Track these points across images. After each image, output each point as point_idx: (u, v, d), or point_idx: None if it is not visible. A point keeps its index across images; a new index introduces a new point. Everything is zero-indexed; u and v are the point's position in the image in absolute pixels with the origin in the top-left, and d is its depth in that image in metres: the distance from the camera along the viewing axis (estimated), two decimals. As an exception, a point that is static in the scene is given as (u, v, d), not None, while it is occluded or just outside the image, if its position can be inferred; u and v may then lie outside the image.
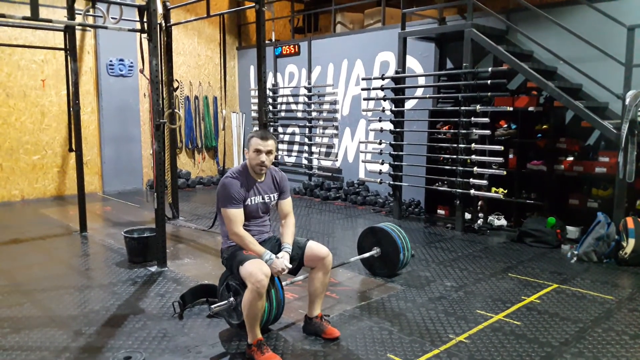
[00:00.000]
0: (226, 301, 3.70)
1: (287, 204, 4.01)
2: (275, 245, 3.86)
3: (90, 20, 7.42)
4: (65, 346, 3.67)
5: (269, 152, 3.73)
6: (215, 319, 4.11)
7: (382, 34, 9.21)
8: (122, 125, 10.65)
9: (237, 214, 3.66)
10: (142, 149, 10.98)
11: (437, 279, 5.20)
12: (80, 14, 6.75)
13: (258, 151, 3.71)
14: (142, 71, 6.36)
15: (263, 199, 3.85)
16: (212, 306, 3.66)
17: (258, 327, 3.45)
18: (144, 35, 5.45)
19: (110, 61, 10.41)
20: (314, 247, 3.85)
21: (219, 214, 3.77)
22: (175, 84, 7.83)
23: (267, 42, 11.70)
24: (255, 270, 3.36)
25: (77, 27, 8.90)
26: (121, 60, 10.49)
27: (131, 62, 10.59)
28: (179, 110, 11.39)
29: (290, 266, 3.65)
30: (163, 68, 7.67)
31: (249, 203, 3.76)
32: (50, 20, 5.16)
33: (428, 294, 4.76)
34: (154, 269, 5.53)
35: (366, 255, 5.14)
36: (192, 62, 11.86)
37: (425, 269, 5.50)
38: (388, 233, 5.09)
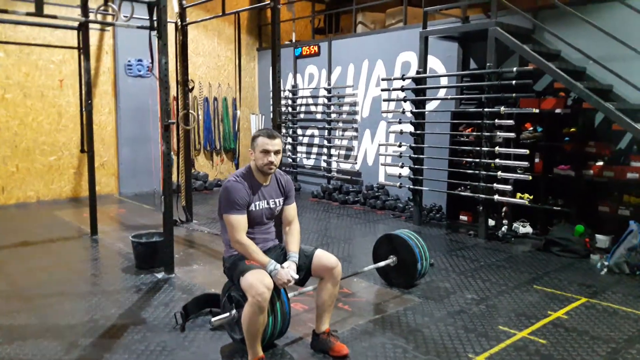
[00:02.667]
0: (227, 314, 3.47)
1: (292, 209, 3.76)
2: (280, 255, 3.62)
3: (104, 18, 7.23)
4: (57, 359, 3.48)
5: (277, 152, 3.50)
6: (218, 331, 3.87)
7: (403, 34, 8.93)
8: (139, 126, 10.51)
9: (240, 221, 3.43)
10: (160, 150, 10.82)
11: (457, 290, 4.90)
12: (93, 12, 6.67)
13: (266, 152, 3.46)
14: (151, 70, 6.18)
15: (268, 204, 3.61)
16: (213, 319, 3.42)
17: (259, 343, 3.21)
18: (154, 33, 5.28)
19: (129, 61, 10.30)
20: (322, 256, 3.60)
21: (221, 220, 3.55)
22: (191, 84, 7.65)
23: (287, 42, 11.53)
24: (256, 282, 3.13)
25: (92, 26, 8.85)
26: (139, 60, 10.38)
27: (150, 63, 10.43)
28: (197, 112, 11.25)
29: (296, 277, 3.40)
30: (178, 67, 7.52)
31: (253, 208, 3.53)
32: (55, 16, 5.02)
33: (447, 307, 4.47)
34: (160, 275, 5.33)
35: (381, 264, 4.87)
36: (211, 63, 11.72)
37: (445, 280, 5.21)
38: (405, 241, 4.82)
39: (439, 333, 3.92)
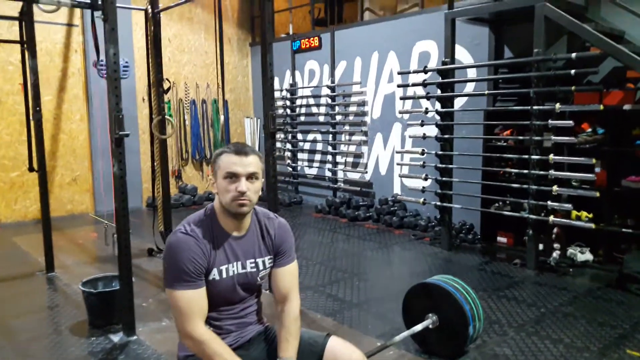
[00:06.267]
0: None
1: (290, 274, 2.31)
2: (265, 349, 2.23)
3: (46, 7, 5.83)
4: None
5: (251, 176, 2.10)
6: None
7: (420, 19, 7.54)
8: (117, 134, 9.14)
9: (192, 300, 2.03)
10: (142, 161, 9.47)
11: (523, 361, 3.51)
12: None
13: (233, 176, 2.08)
14: (95, 65, 4.81)
15: (244, 267, 2.21)
16: None
17: None
18: (98, 14, 3.92)
19: (101, 61, 8.91)
20: (338, 351, 2.21)
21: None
22: (166, 84, 6.30)
23: (283, 35, 10.20)
24: None
25: (60, 21, 7.54)
26: (115, 59, 9.00)
27: (126, 62, 9.03)
28: (183, 116, 9.92)
29: (296, 397, 2.02)
30: (151, 64, 6.19)
31: (217, 276, 2.13)
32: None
33: (517, 394, 3.09)
34: (117, 338, 3.97)
35: (418, 327, 3.46)
36: (198, 60, 10.35)
37: (501, 341, 3.81)
38: (450, 294, 3.42)
39: None
